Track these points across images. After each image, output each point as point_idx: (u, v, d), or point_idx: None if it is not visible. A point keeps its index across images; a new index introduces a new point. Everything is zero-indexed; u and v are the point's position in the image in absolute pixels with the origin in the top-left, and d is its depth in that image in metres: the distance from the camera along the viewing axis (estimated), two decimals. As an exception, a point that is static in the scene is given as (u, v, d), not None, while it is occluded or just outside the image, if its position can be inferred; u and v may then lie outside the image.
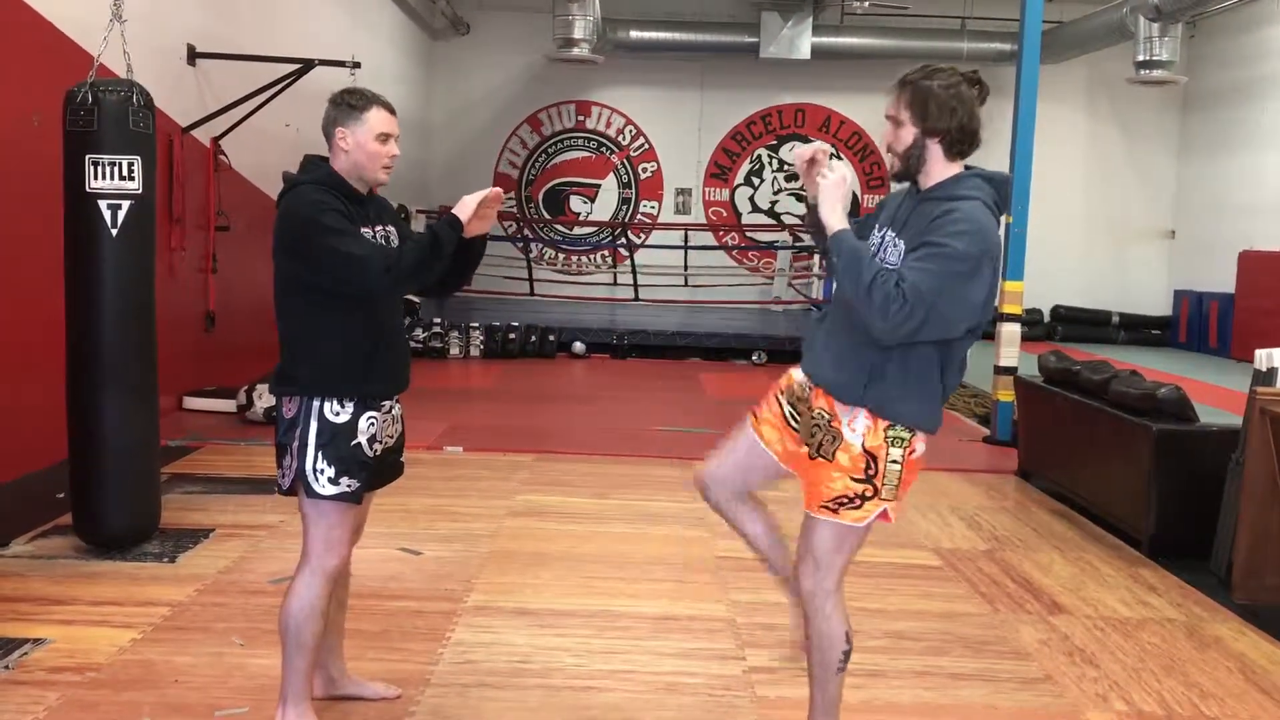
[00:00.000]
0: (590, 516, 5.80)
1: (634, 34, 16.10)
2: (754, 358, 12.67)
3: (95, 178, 4.64)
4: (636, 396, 9.94)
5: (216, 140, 8.16)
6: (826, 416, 2.81)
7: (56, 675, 3.56)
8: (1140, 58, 13.97)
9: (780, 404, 2.97)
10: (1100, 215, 17.44)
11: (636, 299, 16.17)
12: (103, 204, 4.65)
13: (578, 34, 14.15)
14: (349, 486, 3.04)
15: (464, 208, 3.09)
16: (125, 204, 4.69)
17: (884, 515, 2.82)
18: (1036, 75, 8.05)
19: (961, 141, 2.74)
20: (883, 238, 2.80)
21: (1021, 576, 5.05)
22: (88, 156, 4.63)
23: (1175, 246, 17.39)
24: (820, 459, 2.81)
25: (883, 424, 2.76)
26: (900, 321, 2.59)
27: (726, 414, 10.19)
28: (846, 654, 2.91)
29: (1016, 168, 7.98)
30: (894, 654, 4.06)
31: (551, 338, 12.74)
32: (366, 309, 3.05)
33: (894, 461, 2.77)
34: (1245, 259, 14.94)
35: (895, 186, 2.97)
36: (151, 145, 4.83)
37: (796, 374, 2.98)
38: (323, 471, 3.00)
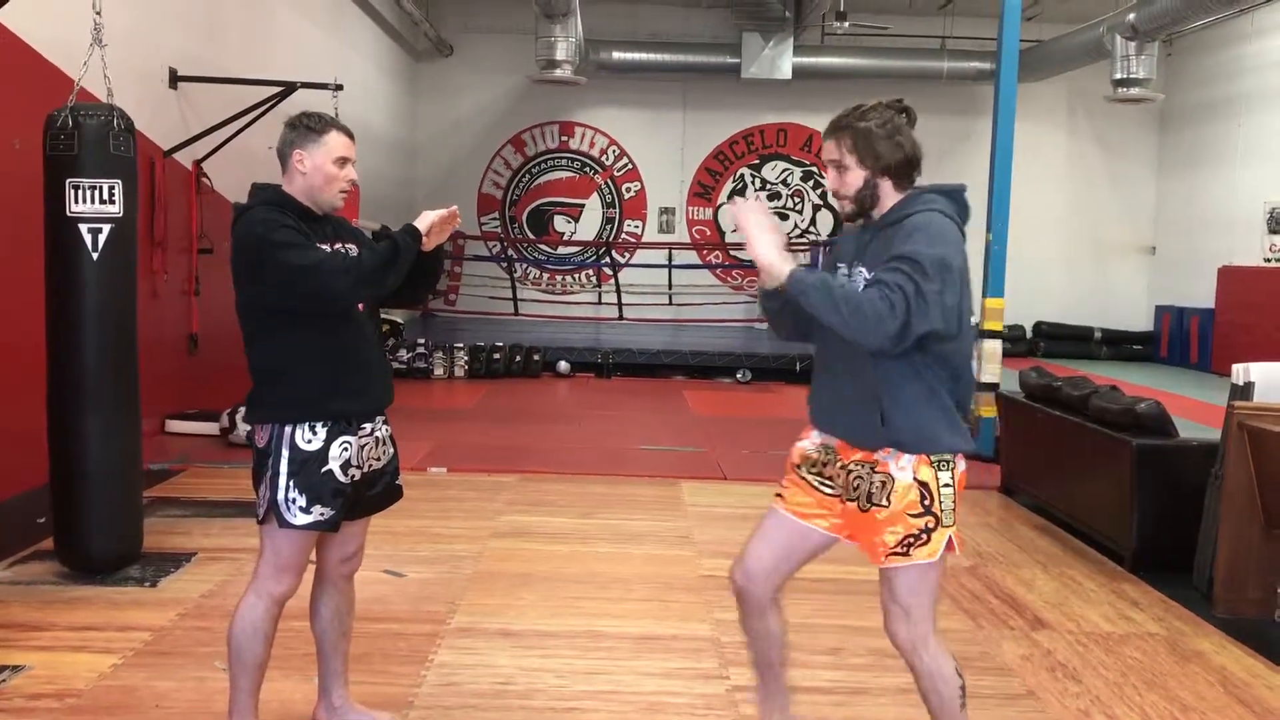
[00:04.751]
0: (574, 536, 5.80)
1: (616, 55, 16.18)
2: (738, 375, 12.70)
3: (76, 202, 4.64)
4: (621, 415, 9.94)
5: (198, 163, 8.16)
6: (868, 465, 2.79)
7: (35, 702, 3.53)
8: (1118, 76, 14.08)
9: (805, 479, 2.95)
10: (1081, 232, 17.55)
11: (621, 318, 16.25)
12: (83, 228, 4.66)
13: (560, 55, 14.20)
14: (322, 515, 3.01)
15: (424, 220, 3.11)
16: (106, 228, 4.70)
17: (950, 545, 2.79)
18: (1015, 93, 8.14)
19: (908, 172, 2.81)
20: (849, 275, 2.81)
21: (1004, 592, 5.07)
22: (68, 180, 4.63)
23: (1156, 262, 17.50)
24: (875, 508, 2.78)
25: (923, 455, 2.76)
26: (888, 322, 2.57)
27: (711, 432, 10.13)
28: (963, 688, 2.90)
29: (996, 185, 8.04)
30: (877, 671, 4.06)
31: (536, 357, 12.74)
32: (330, 327, 3.02)
33: (946, 485, 2.78)
34: (1225, 274, 15.06)
35: (847, 226, 2.97)
36: (132, 168, 4.83)
37: (803, 445, 2.98)
38: (294, 501, 2.98)
